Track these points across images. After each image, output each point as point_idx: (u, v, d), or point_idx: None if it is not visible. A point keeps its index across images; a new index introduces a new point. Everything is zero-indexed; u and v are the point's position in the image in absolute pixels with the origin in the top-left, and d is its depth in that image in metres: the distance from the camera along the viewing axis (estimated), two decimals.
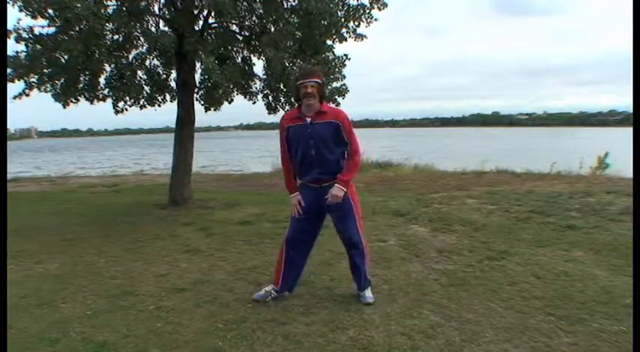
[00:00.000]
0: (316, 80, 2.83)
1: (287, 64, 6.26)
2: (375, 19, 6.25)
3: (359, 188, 9.08)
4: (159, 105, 7.19)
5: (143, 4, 5.95)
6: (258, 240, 4.79)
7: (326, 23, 5.83)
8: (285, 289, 3.13)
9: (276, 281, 3.11)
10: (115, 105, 6.82)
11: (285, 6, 6.02)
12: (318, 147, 2.85)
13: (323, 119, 2.86)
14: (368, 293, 3.08)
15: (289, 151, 2.98)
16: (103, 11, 5.35)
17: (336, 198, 2.87)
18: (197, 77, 6.91)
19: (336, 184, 2.87)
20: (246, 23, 6.57)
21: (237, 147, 43.09)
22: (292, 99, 6.78)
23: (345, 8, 6.09)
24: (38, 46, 5.58)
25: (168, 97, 7.24)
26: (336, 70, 6.47)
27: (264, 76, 6.85)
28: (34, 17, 5.27)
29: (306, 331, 2.65)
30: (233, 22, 6.56)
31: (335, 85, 6.62)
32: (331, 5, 5.71)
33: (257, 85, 7.05)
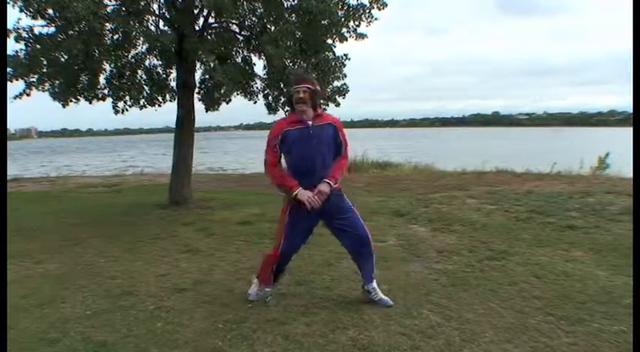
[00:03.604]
0: (307, 85, 2.83)
1: (287, 63, 6.26)
2: (376, 19, 6.26)
3: (359, 188, 9.09)
4: (159, 106, 7.19)
5: (142, 3, 5.95)
6: (258, 240, 4.79)
7: (326, 23, 5.84)
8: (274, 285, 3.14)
9: (267, 282, 3.08)
10: (114, 106, 6.82)
11: (286, 5, 6.02)
12: (321, 149, 2.83)
13: (321, 121, 2.87)
14: (382, 295, 3.05)
15: (278, 156, 2.88)
16: (102, 11, 5.35)
17: (323, 195, 2.79)
18: (197, 77, 6.92)
19: (324, 180, 2.81)
20: (247, 23, 6.58)
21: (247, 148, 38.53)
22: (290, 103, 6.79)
23: (345, 8, 6.09)
24: (38, 46, 5.59)
25: (168, 97, 7.24)
26: (337, 69, 6.47)
27: (265, 76, 6.85)
28: (34, 18, 5.27)
29: (306, 331, 2.65)
30: (233, 21, 6.56)
31: (336, 84, 6.63)
32: (331, 5, 5.71)
33: (258, 84, 7.06)
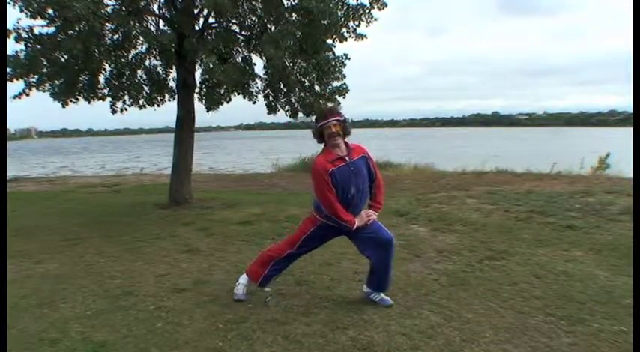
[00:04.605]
0: (337, 118, 2.87)
1: (287, 64, 6.26)
2: (375, 19, 6.26)
3: None
4: (157, 106, 7.18)
5: (142, 3, 5.95)
6: (258, 240, 4.79)
7: (326, 23, 5.83)
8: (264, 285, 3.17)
9: (256, 279, 3.14)
10: (112, 105, 6.82)
11: (286, 5, 6.02)
12: (360, 181, 2.93)
13: (356, 155, 2.94)
14: (383, 295, 3.07)
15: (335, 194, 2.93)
16: (102, 11, 5.35)
17: (372, 219, 2.99)
18: (197, 77, 6.92)
19: (372, 210, 3.03)
20: (247, 23, 6.58)
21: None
22: (298, 108, 6.81)
23: (345, 8, 6.09)
24: (38, 46, 5.59)
25: (167, 97, 7.24)
26: (337, 69, 6.47)
27: (265, 76, 6.85)
28: (34, 18, 5.27)
29: (306, 331, 2.65)
30: (233, 21, 6.56)
31: (335, 84, 6.63)
32: (331, 5, 5.71)
33: (257, 84, 7.06)
